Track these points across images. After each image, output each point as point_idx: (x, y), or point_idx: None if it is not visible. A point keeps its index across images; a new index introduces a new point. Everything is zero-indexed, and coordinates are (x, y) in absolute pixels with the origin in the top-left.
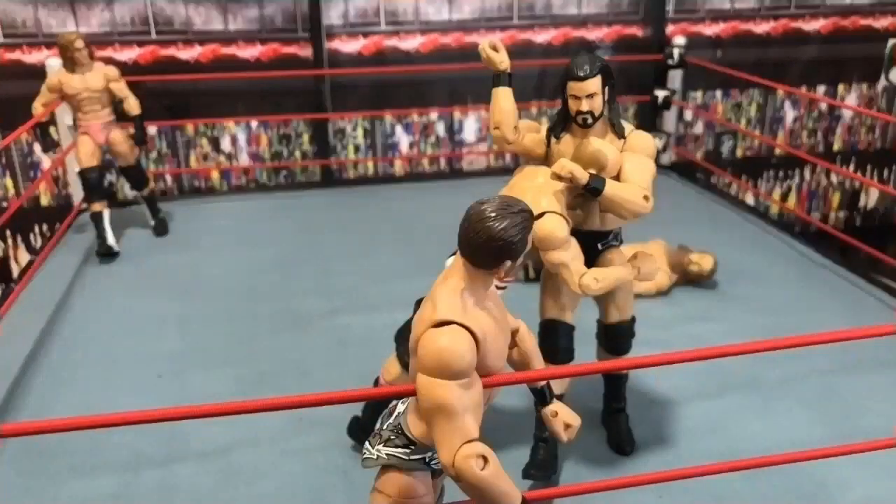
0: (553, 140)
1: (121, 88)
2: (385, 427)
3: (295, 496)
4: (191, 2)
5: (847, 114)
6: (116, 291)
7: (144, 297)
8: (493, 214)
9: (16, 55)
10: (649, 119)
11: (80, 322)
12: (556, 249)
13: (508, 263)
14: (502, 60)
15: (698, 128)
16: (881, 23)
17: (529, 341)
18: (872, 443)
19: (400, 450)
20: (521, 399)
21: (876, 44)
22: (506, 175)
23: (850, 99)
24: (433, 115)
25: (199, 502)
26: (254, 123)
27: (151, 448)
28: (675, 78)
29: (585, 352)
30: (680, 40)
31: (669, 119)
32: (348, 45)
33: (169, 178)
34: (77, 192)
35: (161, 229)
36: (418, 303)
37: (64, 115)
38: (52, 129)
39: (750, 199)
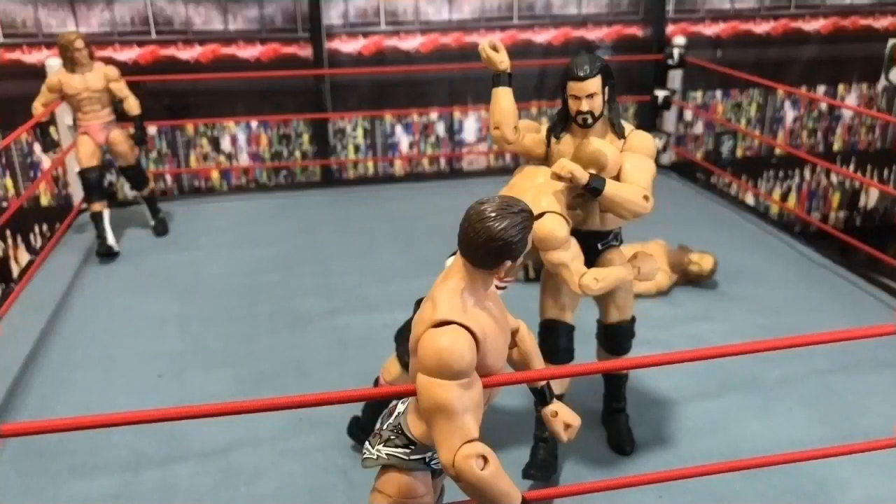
0: (553, 140)
1: (121, 88)
2: (385, 427)
3: (295, 496)
4: (191, 2)
5: (847, 114)
6: (116, 291)
7: (144, 297)
8: (493, 214)
9: (16, 55)
10: (649, 119)
11: (80, 322)
12: (556, 249)
13: (508, 263)
14: (502, 60)
15: (698, 128)
16: (881, 23)
17: (529, 341)
18: (872, 443)
19: (400, 450)
20: (521, 399)
21: (876, 44)
22: (506, 175)
23: (850, 99)
24: (433, 115)
25: (199, 502)
26: (254, 123)
27: (151, 448)
28: (675, 78)
29: (585, 352)
30: (680, 40)
31: (669, 119)
32: (348, 45)
33: (169, 178)
34: (77, 192)
35: (161, 229)
36: (418, 303)
37: (64, 115)
38: (52, 129)
39: (750, 199)
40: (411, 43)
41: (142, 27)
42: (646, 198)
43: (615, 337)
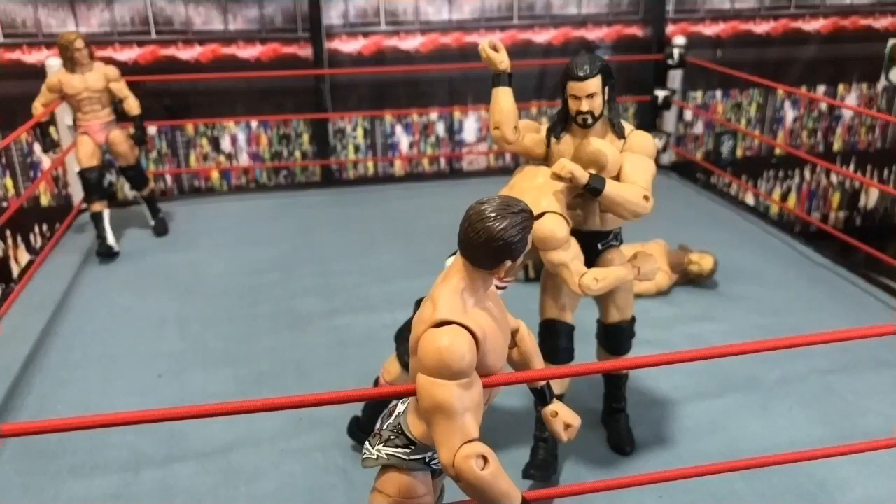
0: (553, 140)
1: (121, 88)
2: (385, 427)
3: (295, 496)
4: (191, 2)
5: (847, 114)
6: (116, 291)
7: (144, 297)
8: (493, 214)
9: (16, 55)
10: (649, 119)
11: (80, 322)
12: (556, 249)
13: (508, 263)
14: (502, 60)
15: (698, 128)
16: (881, 23)
17: (529, 341)
18: (872, 443)
19: (400, 450)
20: (521, 399)
21: (876, 44)
22: (506, 175)
23: (850, 99)
24: (433, 115)
25: (199, 502)
26: (254, 123)
27: (151, 448)
28: (675, 78)
29: (585, 352)
30: (680, 40)
31: (669, 119)
32: (348, 45)
33: (169, 178)
34: (77, 192)
35: (161, 229)
36: (418, 303)
37: (64, 115)
38: (52, 129)
39: (750, 199)
40: (411, 43)
41: (142, 27)
42: (646, 198)
43: (615, 337)
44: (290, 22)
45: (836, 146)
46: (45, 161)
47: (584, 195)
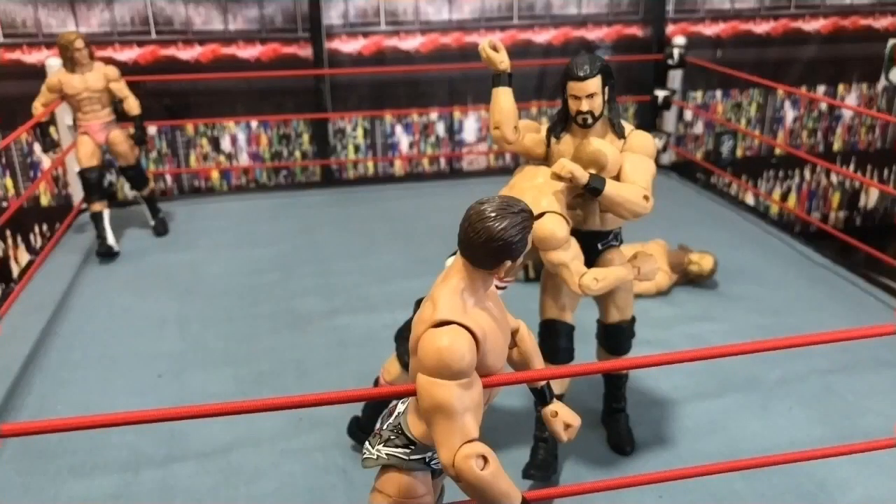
0: (553, 140)
1: (121, 88)
2: (385, 427)
3: (295, 496)
4: (191, 2)
5: (847, 114)
6: (116, 291)
7: (144, 297)
8: (493, 214)
9: (16, 55)
10: (649, 119)
11: (80, 322)
12: (556, 249)
13: (508, 263)
14: (502, 60)
15: (698, 128)
16: (881, 23)
17: (529, 341)
18: (872, 443)
19: (400, 450)
20: (521, 399)
21: (876, 44)
22: (506, 175)
23: (850, 99)
24: (433, 115)
25: (199, 502)
26: (254, 123)
27: (151, 448)
28: (675, 78)
29: (585, 352)
30: (680, 40)
31: (669, 119)
32: (348, 45)
33: (169, 178)
34: (77, 192)
35: (161, 229)
36: (418, 303)
37: (64, 115)
38: (52, 129)
39: (750, 199)
40: (411, 43)
41: (142, 27)
42: (646, 198)
43: (615, 337)
44: (290, 22)
45: (836, 146)
46: (45, 161)
47: (584, 195)
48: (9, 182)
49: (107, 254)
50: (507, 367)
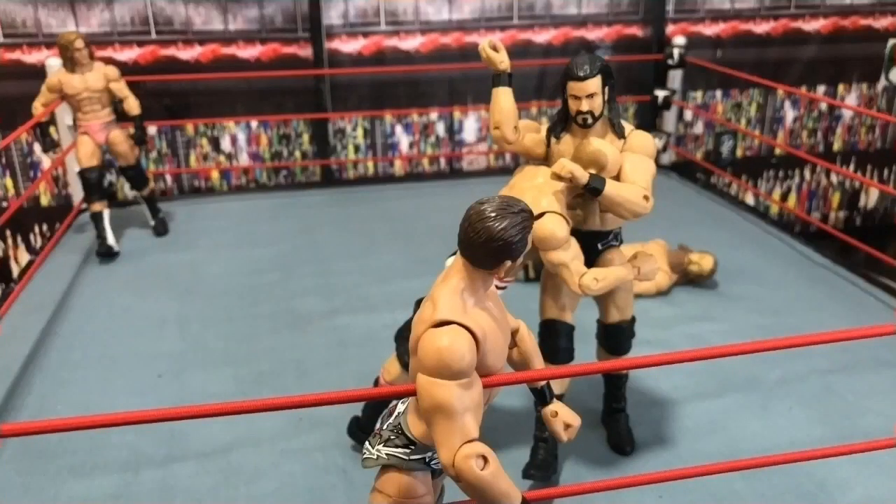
0: (553, 140)
1: (121, 88)
2: (385, 427)
3: (295, 496)
4: (191, 2)
5: (847, 114)
6: (116, 291)
7: (144, 297)
8: (493, 214)
9: (16, 55)
10: (649, 119)
11: (80, 322)
12: (556, 249)
13: (508, 263)
14: (502, 60)
15: (698, 128)
16: (881, 23)
17: (529, 341)
18: (872, 443)
19: (400, 450)
20: (521, 399)
21: (876, 44)
22: (506, 175)
23: (850, 99)
24: (433, 115)
25: (199, 502)
26: (254, 123)
27: (151, 448)
28: (675, 78)
29: (585, 352)
30: (680, 40)
31: (669, 119)
32: (348, 45)
33: (169, 178)
34: (77, 192)
35: (161, 229)
36: (418, 303)
37: (64, 115)
38: (52, 129)
39: (750, 199)
40: (411, 43)
41: (142, 27)
42: (646, 198)
43: (615, 337)
44: (290, 22)
45: (836, 146)
46: (45, 161)
47: (584, 195)
48: (9, 182)
49: (107, 254)
50: (507, 367)
